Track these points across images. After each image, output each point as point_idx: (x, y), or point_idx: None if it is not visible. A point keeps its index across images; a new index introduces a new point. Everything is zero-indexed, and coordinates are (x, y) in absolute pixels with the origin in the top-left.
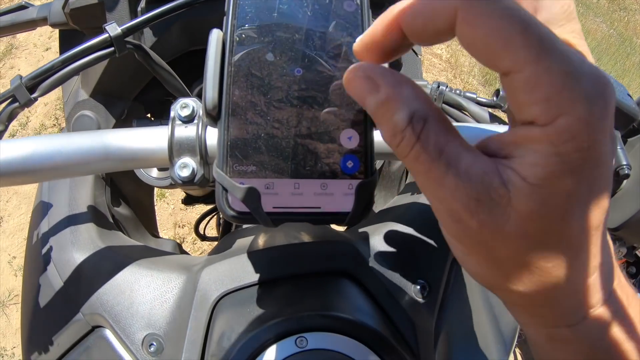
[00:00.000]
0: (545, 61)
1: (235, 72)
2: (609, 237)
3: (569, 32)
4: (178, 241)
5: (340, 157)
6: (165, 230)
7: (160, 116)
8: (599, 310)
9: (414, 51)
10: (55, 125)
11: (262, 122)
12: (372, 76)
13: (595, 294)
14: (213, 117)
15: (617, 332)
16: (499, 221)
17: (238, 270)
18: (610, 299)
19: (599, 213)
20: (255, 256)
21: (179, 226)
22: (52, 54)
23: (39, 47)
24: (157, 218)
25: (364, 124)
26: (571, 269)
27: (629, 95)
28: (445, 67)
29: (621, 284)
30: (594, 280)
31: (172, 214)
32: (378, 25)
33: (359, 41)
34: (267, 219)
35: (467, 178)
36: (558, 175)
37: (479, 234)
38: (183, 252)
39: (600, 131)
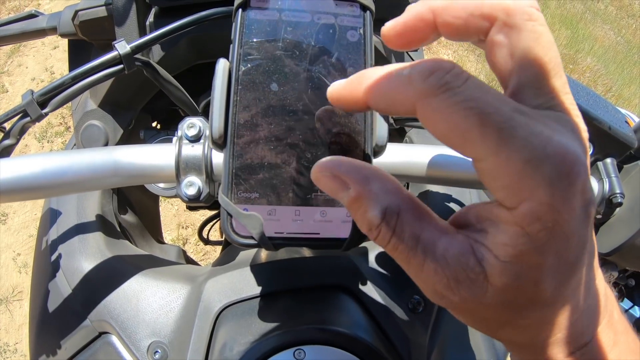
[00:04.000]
0: (504, 152)
1: (241, 102)
2: (598, 274)
3: (546, 94)
4: (182, 242)
5: None
6: (169, 231)
7: (168, 125)
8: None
9: (411, 58)
10: (61, 124)
11: (266, 151)
12: (338, 175)
13: (567, 346)
14: (219, 145)
15: None
16: (478, 295)
17: (240, 282)
18: (589, 346)
19: (569, 274)
20: (258, 269)
21: (183, 227)
22: (60, 53)
23: (47, 46)
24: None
25: (363, 154)
26: (547, 324)
27: (626, 122)
28: None
29: (612, 320)
30: (566, 334)
31: (176, 215)
32: (346, 97)
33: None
34: (269, 244)
35: (445, 262)
36: (527, 252)
37: (463, 305)
38: (187, 257)
39: (565, 211)
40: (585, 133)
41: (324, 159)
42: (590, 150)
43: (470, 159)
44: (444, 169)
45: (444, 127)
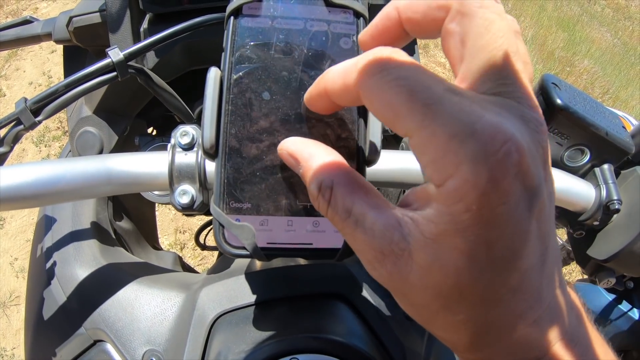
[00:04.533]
0: (429, 127)
1: (232, 111)
2: (560, 283)
3: (495, 80)
4: (179, 247)
5: None
6: (167, 236)
7: (163, 132)
8: None
9: None
10: (59, 128)
11: (258, 160)
12: (292, 154)
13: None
14: (211, 154)
15: None
16: (403, 272)
17: (235, 290)
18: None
19: (503, 270)
20: (252, 277)
21: (180, 232)
22: (57, 57)
23: (45, 50)
24: (159, 224)
25: (357, 162)
26: (482, 327)
27: (623, 127)
28: (449, 76)
29: (578, 340)
30: (507, 344)
31: (174, 219)
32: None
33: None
34: (261, 254)
35: (372, 233)
36: (449, 233)
37: (391, 282)
38: (183, 264)
39: (493, 193)
40: (539, 125)
41: (286, 139)
42: (587, 157)
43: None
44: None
45: (378, 105)
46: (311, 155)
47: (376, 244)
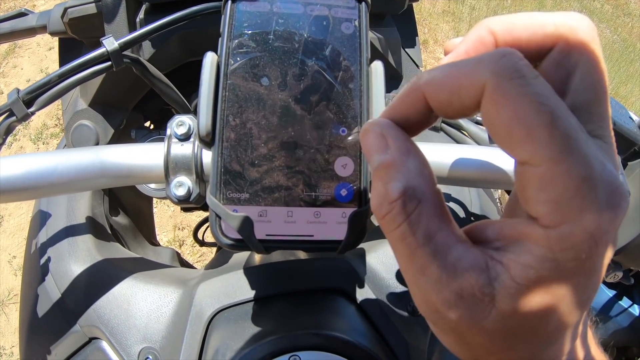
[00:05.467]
0: (566, 162)
1: (230, 97)
2: (589, 331)
3: (597, 121)
4: (178, 243)
5: (335, 186)
6: (165, 233)
7: (160, 125)
8: None
9: (415, 63)
10: (56, 125)
11: (257, 148)
12: (386, 135)
13: None
14: (207, 142)
15: None
16: (478, 317)
17: (233, 286)
18: None
19: (577, 314)
20: (251, 272)
21: (179, 229)
22: (55, 54)
23: (42, 47)
24: (158, 220)
25: (359, 151)
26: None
27: (630, 118)
28: None
29: None
30: None
31: (172, 216)
32: (402, 99)
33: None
34: (259, 247)
35: (453, 272)
36: (549, 280)
37: (455, 325)
38: (181, 260)
39: (602, 244)
40: (618, 167)
41: (379, 119)
42: None
43: (512, 160)
44: (448, 168)
45: (508, 116)
46: (409, 151)
47: (455, 285)
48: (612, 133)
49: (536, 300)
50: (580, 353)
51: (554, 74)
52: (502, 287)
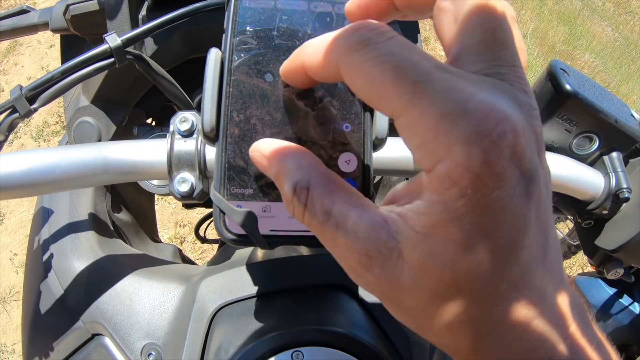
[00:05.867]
0: (418, 106)
1: (234, 93)
2: (560, 280)
3: (487, 61)
4: (179, 241)
5: None
6: (167, 230)
7: (162, 122)
8: None
9: None
10: (57, 122)
11: None
12: (264, 154)
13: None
14: (211, 138)
15: None
16: (393, 274)
17: (236, 282)
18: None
19: (503, 263)
20: (254, 268)
21: (180, 226)
22: (56, 51)
23: (43, 44)
24: (159, 217)
25: (362, 147)
26: (481, 327)
27: (632, 115)
28: None
29: (581, 341)
30: (508, 346)
31: (174, 213)
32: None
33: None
34: (263, 242)
35: (355, 235)
36: (443, 224)
37: (380, 287)
38: (183, 257)
39: (487, 177)
40: (533, 110)
41: (257, 141)
42: (596, 144)
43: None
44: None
45: (361, 83)
46: (284, 155)
47: (360, 247)
48: (516, 72)
49: (439, 248)
50: (562, 326)
51: (443, 20)
52: (404, 238)
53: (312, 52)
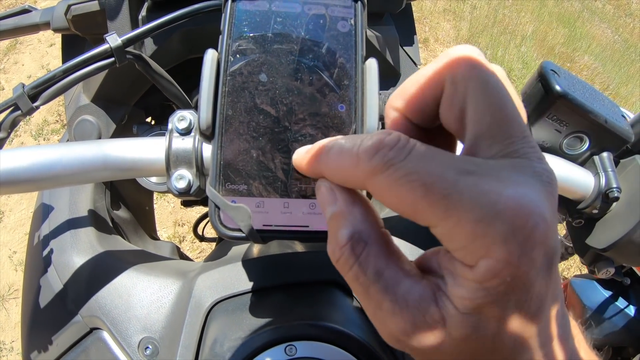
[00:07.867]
0: (452, 217)
1: (229, 93)
2: (579, 334)
3: (502, 141)
4: (178, 240)
5: None
6: (165, 229)
7: (161, 121)
8: None
9: (412, 61)
10: (57, 121)
11: (254, 142)
12: (333, 189)
13: None
14: (207, 136)
15: None
16: (436, 342)
17: (232, 277)
18: None
19: (531, 324)
20: (249, 264)
21: (179, 225)
22: (57, 50)
23: (43, 43)
24: (158, 216)
25: None
26: None
27: (623, 116)
28: None
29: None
30: None
31: (172, 212)
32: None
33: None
34: (257, 237)
35: (405, 304)
36: (485, 305)
37: (418, 352)
38: (182, 254)
39: (522, 264)
40: (550, 175)
41: (322, 181)
42: (586, 145)
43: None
44: None
45: (393, 202)
46: (353, 200)
47: (408, 316)
48: (528, 143)
49: (482, 324)
50: (561, 356)
51: (450, 114)
52: (450, 315)
53: (334, 167)
